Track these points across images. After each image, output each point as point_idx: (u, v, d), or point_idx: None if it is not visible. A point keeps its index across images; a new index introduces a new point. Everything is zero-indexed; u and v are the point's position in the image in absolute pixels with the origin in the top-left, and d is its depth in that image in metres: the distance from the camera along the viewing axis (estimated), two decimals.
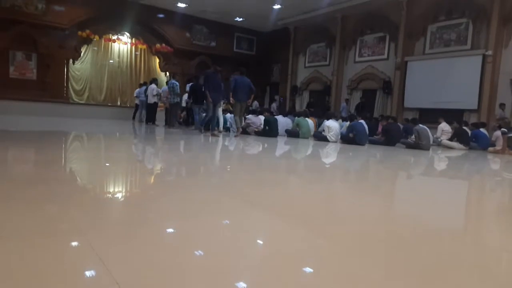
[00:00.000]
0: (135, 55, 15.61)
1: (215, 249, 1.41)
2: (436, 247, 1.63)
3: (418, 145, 7.67)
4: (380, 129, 9.23)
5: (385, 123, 8.92)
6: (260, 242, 1.58)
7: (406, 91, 12.14)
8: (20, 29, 12.61)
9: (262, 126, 9.36)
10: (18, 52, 12.86)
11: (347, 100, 13.86)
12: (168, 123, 10.81)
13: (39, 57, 13.15)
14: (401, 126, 9.38)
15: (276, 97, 17.08)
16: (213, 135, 8.08)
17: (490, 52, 10.19)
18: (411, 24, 11.94)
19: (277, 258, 1.37)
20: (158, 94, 11.44)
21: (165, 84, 12.47)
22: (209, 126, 8.40)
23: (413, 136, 8.12)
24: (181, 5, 14.48)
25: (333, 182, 3.64)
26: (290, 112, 12.01)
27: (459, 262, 1.47)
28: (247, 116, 9.95)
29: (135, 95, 12.90)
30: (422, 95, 11.53)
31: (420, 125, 7.93)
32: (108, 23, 14.19)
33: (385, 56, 12.89)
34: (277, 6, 14.00)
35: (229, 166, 4.19)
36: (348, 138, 8.11)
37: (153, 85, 11.66)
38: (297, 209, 2.20)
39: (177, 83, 10.61)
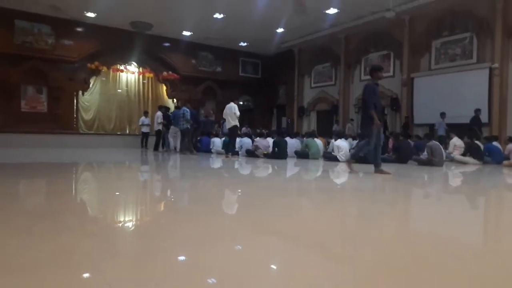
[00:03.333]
0: (143, 83, 15.88)
1: (228, 277, 1.33)
2: (460, 267, 1.52)
3: (431, 162, 7.51)
4: (390, 146, 9.09)
5: (395, 140, 8.78)
6: (275, 269, 1.49)
7: (414, 107, 12.06)
8: (31, 64, 12.98)
9: (270, 148, 9.30)
10: (29, 86, 13.18)
11: (352, 120, 13.78)
12: (181, 149, 10.81)
13: (49, 90, 13.45)
14: (412, 143, 9.25)
15: (284, 119, 17.11)
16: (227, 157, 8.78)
17: (496, 65, 10.13)
18: (414, 40, 12.00)
19: (294, 286, 1.28)
20: (161, 122, 11.54)
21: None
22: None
23: (425, 153, 7.96)
24: (186, 33, 14.82)
25: (347, 203, 3.53)
26: (297, 134, 11.96)
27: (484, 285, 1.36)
28: (255, 139, 9.93)
29: (139, 123, 13.03)
30: (431, 111, 11.41)
31: (433, 141, 7.79)
32: (116, 54, 14.55)
33: (391, 73, 12.91)
34: (280, 30, 14.25)
35: (239, 190, 4.11)
36: (359, 157, 7.97)
37: (159, 113, 11.78)
38: (312, 233, 2.10)
39: (188, 110, 10.70)
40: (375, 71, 5.77)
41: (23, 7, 12.19)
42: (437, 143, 7.79)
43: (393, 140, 8.99)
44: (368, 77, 13.22)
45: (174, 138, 11.17)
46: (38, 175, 5.14)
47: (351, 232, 2.24)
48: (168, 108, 12.47)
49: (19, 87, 12.93)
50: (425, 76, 11.94)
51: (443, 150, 7.84)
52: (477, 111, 9.88)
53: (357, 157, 6.37)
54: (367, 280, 1.38)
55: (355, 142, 10.11)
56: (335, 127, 13.88)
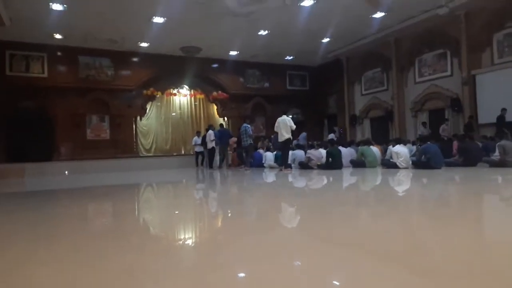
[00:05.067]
0: (195, 105, 16.47)
1: None
2: None
3: (505, 163, 6.82)
4: (455, 149, 8.44)
5: (461, 141, 8.14)
6: (344, 282, 1.37)
7: (478, 106, 11.14)
8: (95, 95, 14.04)
9: (323, 159, 9.06)
10: (93, 116, 14.23)
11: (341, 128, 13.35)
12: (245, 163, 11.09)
13: (111, 118, 14.41)
14: (480, 144, 8.52)
15: (335, 128, 16.68)
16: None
17: None
18: (473, 36, 11.17)
19: None
20: (213, 140, 11.87)
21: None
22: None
23: (496, 153, 7.27)
24: (232, 53, 15.19)
25: (417, 211, 3.27)
26: (351, 143, 11.56)
27: None
28: (308, 151, 9.75)
29: (192, 143, 13.46)
30: (498, 109, 10.44)
31: (505, 140, 7.09)
32: (169, 79, 15.29)
33: (449, 72, 12.11)
34: (326, 40, 14.07)
35: (295, 205, 3.99)
36: (421, 163, 7.48)
37: (210, 131, 12.10)
38: (380, 243, 1.94)
39: (249, 126, 10.93)
40: None
41: (85, 44, 13.31)
42: (510, 142, 7.08)
43: (458, 142, 8.34)
44: (423, 78, 12.69)
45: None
46: (105, 196, 5.42)
47: (425, 243, 2.04)
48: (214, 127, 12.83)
49: (84, 117, 14.02)
50: (488, 72, 11.03)
51: None
52: (503, 110, 9.66)
53: None
54: None
55: (414, 147, 9.56)
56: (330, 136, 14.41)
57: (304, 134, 14.26)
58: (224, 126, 13.73)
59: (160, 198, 5.33)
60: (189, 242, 2.28)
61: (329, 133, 17.30)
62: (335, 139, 14.05)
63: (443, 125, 11.78)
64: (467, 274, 1.40)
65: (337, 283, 1.39)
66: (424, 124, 12.50)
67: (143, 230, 2.82)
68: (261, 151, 11.65)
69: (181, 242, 2.29)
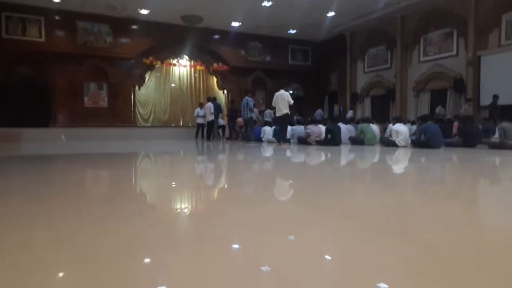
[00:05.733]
0: (194, 76, 16.22)
1: (286, 264, 1.22)
2: None
3: (504, 145, 6.80)
4: (455, 130, 8.41)
5: (461, 122, 8.10)
6: (337, 254, 1.35)
7: (481, 88, 11.02)
8: (93, 62, 13.80)
9: (323, 135, 9.03)
10: (91, 84, 14.03)
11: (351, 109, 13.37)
12: (243, 137, 11.16)
13: (109, 86, 14.22)
14: (480, 126, 8.48)
15: (335, 106, 16.59)
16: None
17: None
18: (481, 15, 10.90)
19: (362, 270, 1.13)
20: (213, 112, 11.83)
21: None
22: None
23: (496, 135, 7.24)
24: (235, 24, 14.84)
25: (415, 189, 3.26)
26: (351, 121, 11.51)
27: None
28: (307, 126, 9.70)
29: (195, 114, 13.29)
30: (501, 92, 10.32)
31: (505, 122, 7.05)
32: (169, 49, 15.00)
33: (454, 52, 11.90)
34: (331, 14, 13.73)
35: (292, 179, 3.98)
36: (421, 142, 7.46)
37: (210, 104, 11.99)
38: (376, 217, 1.92)
39: (251, 99, 10.86)
40: None
41: (84, 8, 12.94)
42: (511, 124, 7.04)
43: (459, 123, 8.30)
44: (428, 57, 12.48)
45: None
46: (103, 163, 5.40)
47: (423, 217, 2.02)
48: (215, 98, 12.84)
49: (82, 85, 13.82)
50: (494, 54, 10.83)
51: None
52: (495, 97, 9.96)
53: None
54: (449, 266, 1.20)
55: (413, 127, 9.51)
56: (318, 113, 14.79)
57: (320, 111, 14.29)
58: (216, 99, 13.74)
59: (159, 168, 5.31)
60: (185, 211, 2.26)
61: (330, 110, 17.24)
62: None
63: (439, 107, 11.81)
64: (460, 247, 1.38)
65: (330, 253, 1.37)
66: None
67: (140, 197, 2.81)
68: (266, 127, 11.40)
69: (177, 211, 2.28)
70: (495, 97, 10.02)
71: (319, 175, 4.06)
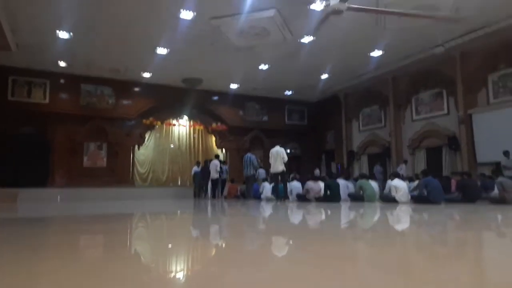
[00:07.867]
0: (193, 136, 16.50)
1: None
2: None
3: (504, 199, 6.76)
4: (454, 186, 8.40)
5: (459, 178, 8.11)
6: None
7: (476, 145, 11.20)
8: (94, 123, 14.10)
9: (322, 191, 8.97)
10: (91, 143, 14.18)
11: (405, 162, 13.04)
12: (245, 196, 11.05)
13: (109, 145, 14.37)
14: (478, 183, 8.49)
15: (333, 164, 16.67)
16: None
17: None
18: (468, 76, 11.45)
19: None
20: (219, 171, 11.88)
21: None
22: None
23: (495, 191, 7.22)
24: (233, 86, 15.46)
25: (423, 250, 3.17)
26: (349, 177, 11.52)
27: None
28: (307, 183, 9.67)
29: (192, 173, 13.23)
30: (497, 148, 10.45)
31: (501, 177, 7.08)
32: (169, 110, 15.45)
33: (445, 111, 12.29)
34: (324, 76, 14.38)
35: (292, 240, 3.87)
36: (421, 197, 7.40)
37: (215, 161, 12.07)
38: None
39: (254, 156, 10.90)
40: None
41: (88, 72, 13.51)
42: (509, 179, 7.06)
43: (457, 179, 8.31)
44: (420, 116, 12.83)
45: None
46: (99, 225, 5.27)
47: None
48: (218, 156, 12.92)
49: (82, 145, 13.96)
50: (484, 112, 11.18)
51: None
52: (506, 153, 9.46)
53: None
54: None
55: (412, 184, 9.48)
56: (316, 172, 14.67)
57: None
58: (219, 157, 13.94)
59: (155, 228, 5.18)
60: (181, 274, 2.17)
61: (327, 168, 17.29)
62: (318, 174, 14.04)
63: (401, 165, 12.13)
64: None
65: None
66: (405, 162, 12.96)
67: (135, 260, 2.71)
68: (265, 183, 11.20)
69: (172, 274, 2.19)
70: (506, 153, 9.56)
71: (319, 237, 3.96)
